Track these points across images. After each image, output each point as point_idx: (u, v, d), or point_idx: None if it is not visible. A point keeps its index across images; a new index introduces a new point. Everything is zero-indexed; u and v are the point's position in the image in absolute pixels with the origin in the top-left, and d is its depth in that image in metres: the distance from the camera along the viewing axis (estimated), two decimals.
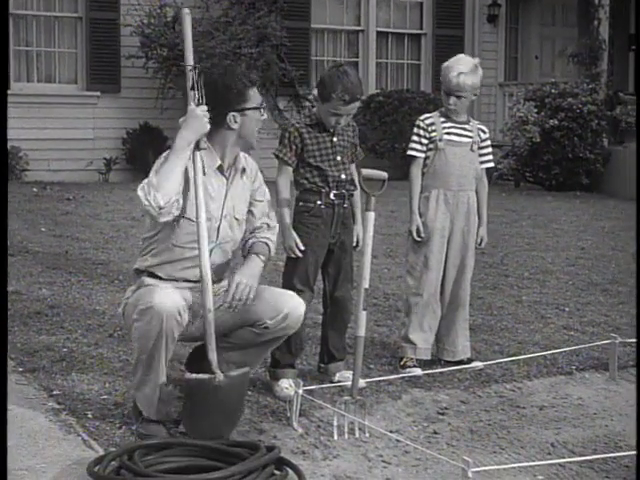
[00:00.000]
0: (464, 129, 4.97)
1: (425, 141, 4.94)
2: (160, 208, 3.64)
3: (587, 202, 12.87)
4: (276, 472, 3.37)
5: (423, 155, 4.96)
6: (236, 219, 4.01)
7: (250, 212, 4.10)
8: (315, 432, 3.95)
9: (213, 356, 3.72)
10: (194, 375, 3.72)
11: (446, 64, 4.96)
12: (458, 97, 4.88)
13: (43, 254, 7.68)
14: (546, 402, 4.49)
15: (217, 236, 3.94)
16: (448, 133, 4.93)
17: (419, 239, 4.93)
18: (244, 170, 4.04)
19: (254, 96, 3.94)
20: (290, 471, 3.40)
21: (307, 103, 15.07)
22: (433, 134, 4.93)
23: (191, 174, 3.76)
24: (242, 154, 4.06)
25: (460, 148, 4.94)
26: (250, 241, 4.10)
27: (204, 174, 3.84)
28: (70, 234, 8.67)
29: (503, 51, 16.86)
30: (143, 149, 13.59)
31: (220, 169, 3.95)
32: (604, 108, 14.27)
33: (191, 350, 4.26)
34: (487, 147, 5.06)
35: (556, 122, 13.78)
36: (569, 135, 13.87)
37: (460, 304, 5.05)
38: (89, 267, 7.21)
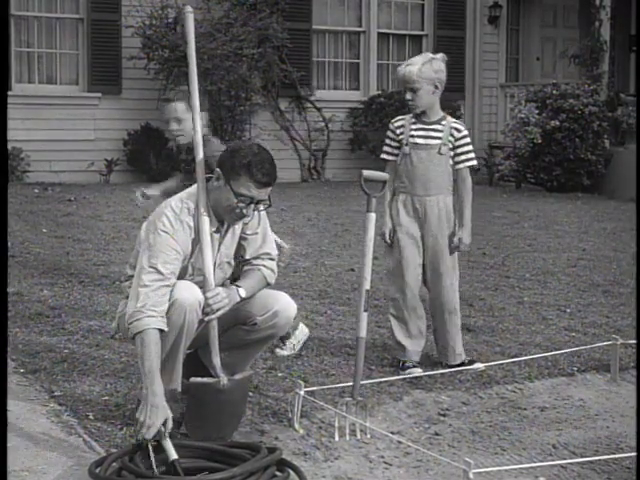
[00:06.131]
0: (434, 130, 4.79)
1: (394, 143, 4.86)
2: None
3: (588, 203, 12.87)
4: (277, 473, 3.37)
5: (392, 158, 4.88)
6: (227, 262, 4.00)
7: (241, 246, 4.03)
8: (316, 433, 3.95)
9: (217, 360, 3.74)
10: (199, 379, 3.73)
11: None
12: (412, 90, 4.72)
13: (44, 255, 7.68)
14: (547, 403, 4.48)
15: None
16: (413, 136, 4.81)
17: (387, 242, 4.88)
18: None
19: (254, 192, 3.72)
20: (291, 472, 3.40)
21: (308, 104, 15.10)
22: (401, 137, 4.83)
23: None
24: None
25: (426, 151, 4.79)
26: (245, 268, 4.06)
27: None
28: (71, 235, 8.68)
29: (504, 52, 16.85)
30: (144, 150, 13.60)
31: (215, 231, 3.90)
32: (605, 109, 14.27)
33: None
34: (464, 146, 4.83)
35: (557, 123, 13.77)
36: (570, 136, 13.86)
37: (445, 309, 4.90)
38: (90, 268, 7.21)
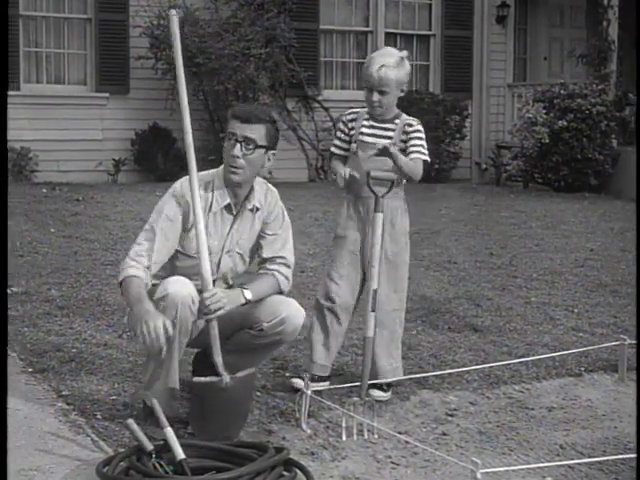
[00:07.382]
0: (385, 129, 4.45)
1: (345, 137, 4.55)
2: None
3: (596, 203, 12.84)
4: (285, 473, 3.37)
5: (340, 152, 4.57)
6: (238, 253, 4.00)
7: (258, 244, 4.06)
8: (324, 433, 3.95)
9: (219, 359, 3.74)
10: (202, 378, 3.74)
11: (369, 57, 4.43)
12: (381, 92, 4.34)
13: (52, 255, 7.69)
14: (555, 403, 4.48)
15: (217, 269, 3.95)
16: (362, 133, 4.47)
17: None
18: (257, 209, 4.00)
19: (236, 126, 3.85)
20: (299, 472, 3.40)
21: (315, 104, 15.09)
22: (352, 132, 4.53)
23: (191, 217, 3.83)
24: (258, 190, 4.01)
25: (371, 151, 4.41)
26: (260, 272, 4.07)
27: (210, 210, 3.88)
28: (79, 235, 8.69)
29: (512, 52, 16.82)
30: (152, 150, 13.62)
31: (228, 208, 3.93)
32: (613, 109, 14.24)
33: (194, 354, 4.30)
34: (414, 139, 4.40)
35: (565, 123, 13.76)
36: (578, 136, 13.84)
37: (380, 323, 4.37)
38: (98, 268, 7.22)
